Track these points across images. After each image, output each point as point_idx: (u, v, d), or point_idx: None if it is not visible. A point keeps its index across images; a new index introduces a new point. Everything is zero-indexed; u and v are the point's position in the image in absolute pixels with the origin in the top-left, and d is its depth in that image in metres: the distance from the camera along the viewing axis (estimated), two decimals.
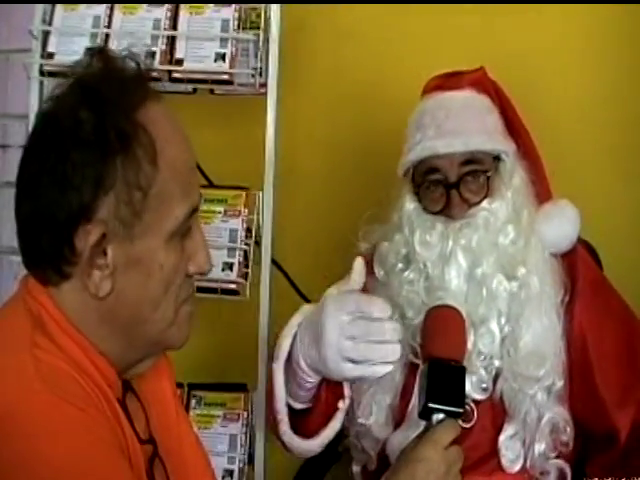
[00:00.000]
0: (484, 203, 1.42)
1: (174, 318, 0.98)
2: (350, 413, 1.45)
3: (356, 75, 1.91)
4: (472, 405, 1.38)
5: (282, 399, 1.37)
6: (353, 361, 1.27)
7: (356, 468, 1.55)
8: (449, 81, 1.48)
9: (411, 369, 1.44)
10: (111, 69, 0.96)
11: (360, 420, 1.46)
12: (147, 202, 0.93)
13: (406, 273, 1.44)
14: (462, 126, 1.42)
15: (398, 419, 1.45)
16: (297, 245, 1.96)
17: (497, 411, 1.42)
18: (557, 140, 1.78)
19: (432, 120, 1.44)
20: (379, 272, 1.49)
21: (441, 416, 1.02)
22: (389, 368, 1.27)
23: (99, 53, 0.98)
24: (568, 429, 1.40)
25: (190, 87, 1.75)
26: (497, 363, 1.41)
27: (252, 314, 1.73)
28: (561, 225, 1.46)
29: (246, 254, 1.72)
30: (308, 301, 1.92)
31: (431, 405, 1.02)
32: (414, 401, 1.40)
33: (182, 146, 0.98)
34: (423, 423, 1.04)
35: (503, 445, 1.39)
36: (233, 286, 1.71)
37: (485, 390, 1.40)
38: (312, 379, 1.35)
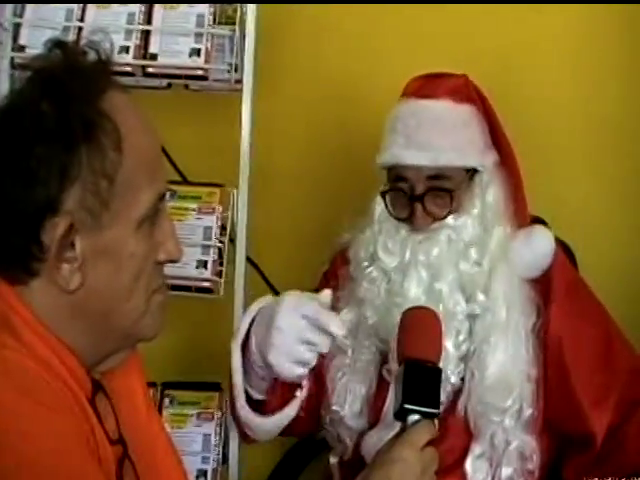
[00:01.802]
0: (449, 219, 1.41)
1: (146, 308, 0.98)
2: (325, 400, 1.47)
3: (334, 73, 1.90)
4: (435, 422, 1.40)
5: (238, 372, 1.38)
6: (298, 362, 1.32)
7: (333, 460, 1.55)
8: (427, 87, 1.46)
9: (384, 360, 1.44)
10: (71, 60, 0.96)
11: (334, 407, 1.47)
12: (114, 190, 0.92)
13: (369, 270, 1.45)
14: (432, 140, 1.41)
15: (373, 419, 1.45)
16: (272, 243, 1.95)
17: (462, 429, 1.41)
18: (536, 140, 1.79)
19: (403, 128, 1.43)
20: (351, 266, 1.50)
21: (417, 417, 1.02)
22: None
23: (58, 45, 0.97)
24: (535, 458, 1.40)
25: (164, 82, 1.74)
26: (453, 379, 1.40)
27: (226, 312, 1.72)
28: (535, 254, 1.44)
29: (220, 252, 1.71)
30: None
31: (407, 406, 1.02)
32: (389, 401, 1.40)
33: (146, 132, 0.98)
34: (398, 424, 1.04)
35: (470, 466, 1.39)
36: (207, 284, 1.70)
37: (441, 403, 1.37)
38: (263, 371, 1.38)
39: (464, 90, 1.46)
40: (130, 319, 0.98)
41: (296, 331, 1.31)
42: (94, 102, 0.92)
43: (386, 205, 1.45)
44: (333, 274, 1.56)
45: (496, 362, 1.38)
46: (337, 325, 1.30)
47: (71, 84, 0.92)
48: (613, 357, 1.44)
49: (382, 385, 1.42)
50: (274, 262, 1.97)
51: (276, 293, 1.93)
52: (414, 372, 1.04)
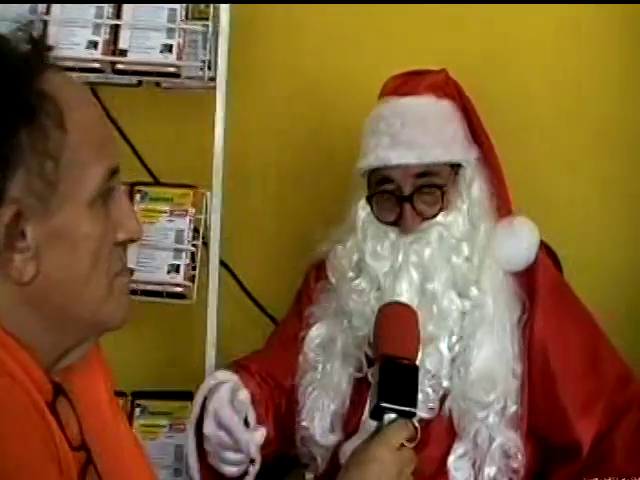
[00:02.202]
0: (439, 217, 1.40)
1: (108, 292, 0.94)
2: (296, 417, 1.46)
3: (311, 71, 1.87)
4: (416, 424, 1.37)
5: (193, 459, 1.42)
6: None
7: (309, 476, 1.54)
8: (407, 84, 1.45)
9: (359, 381, 1.43)
10: (3, 45, 0.93)
11: (303, 424, 1.46)
12: (60, 170, 0.89)
13: (356, 282, 1.43)
14: (418, 137, 1.40)
15: (351, 430, 1.44)
16: (247, 246, 1.93)
17: (446, 430, 1.40)
18: (517, 139, 1.77)
19: (387, 128, 1.42)
20: (332, 277, 1.49)
21: (393, 416, 1.00)
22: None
23: None
24: (519, 456, 1.39)
25: (135, 79, 1.72)
26: (445, 383, 1.40)
27: (199, 318, 1.71)
28: (518, 245, 1.44)
29: (193, 256, 1.70)
30: (258, 304, 1.94)
31: (383, 404, 1.00)
32: (367, 412, 1.33)
33: (90, 108, 0.95)
34: (375, 425, 1.03)
35: (452, 465, 1.38)
36: (179, 289, 1.69)
37: (432, 410, 1.39)
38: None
39: (445, 85, 1.46)
40: (92, 305, 0.94)
41: (217, 442, 1.35)
42: (30, 84, 0.89)
43: (372, 210, 1.43)
44: (306, 293, 1.55)
45: (481, 357, 1.38)
46: (254, 447, 1.33)
47: (4, 69, 0.90)
48: (599, 363, 1.43)
49: (363, 396, 1.40)
50: (249, 266, 1.94)
51: (251, 298, 1.94)
52: (390, 370, 1.03)
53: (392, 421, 1.00)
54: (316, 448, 1.47)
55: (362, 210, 1.44)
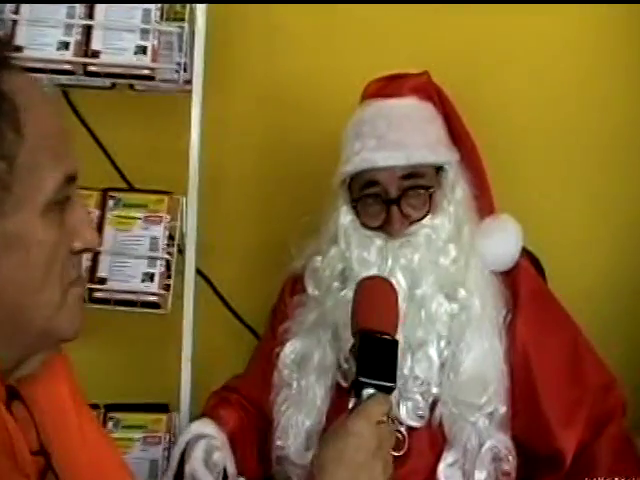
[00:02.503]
0: (426, 220, 1.40)
1: (61, 301, 0.93)
2: (271, 436, 1.45)
3: (291, 74, 1.86)
4: (404, 433, 1.36)
5: None
6: None
7: None
8: (390, 86, 1.45)
9: (339, 392, 1.41)
10: None
11: (278, 443, 1.44)
12: (15, 173, 0.88)
13: (343, 292, 1.41)
14: (404, 138, 1.39)
15: None
16: (224, 254, 1.90)
17: (436, 438, 1.39)
18: (499, 144, 1.76)
19: (372, 130, 1.41)
20: (312, 290, 1.46)
21: (372, 391, 0.99)
22: None
23: None
24: (510, 458, 1.38)
25: (108, 82, 1.70)
26: (435, 390, 1.38)
27: (175, 328, 1.69)
28: (502, 243, 1.45)
29: (168, 264, 1.68)
30: (236, 314, 1.91)
31: (362, 379, 0.99)
32: None
33: (49, 112, 0.93)
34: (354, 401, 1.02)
35: (442, 474, 1.37)
36: (154, 298, 1.67)
37: (421, 417, 1.38)
38: None
39: (427, 88, 1.46)
40: (44, 314, 0.92)
41: None
42: None
43: (358, 215, 1.41)
44: (280, 308, 1.54)
45: (471, 358, 1.37)
46: None
47: None
48: (582, 371, 1.42)
49: (340, 408, 1.35)
50: (225, 274, 1.92)
51: (228, 307, 1.92)
52: (369, 344, 1.02)
53: (371, 396, 0.99)
54: (292, 468, 1.45)
55: (344, 217, 1.43)
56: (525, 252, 1.53)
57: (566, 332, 1.45)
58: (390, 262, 1.37)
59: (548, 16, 1.79)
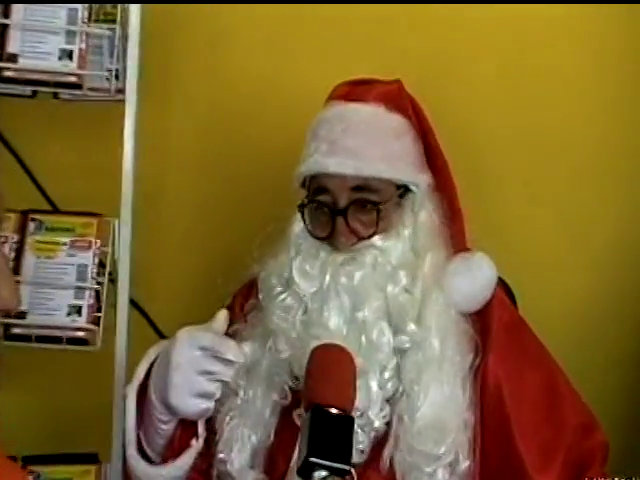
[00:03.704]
0: (375, 239, 1.36)
1: None
2: (213, 451, 1.41)
3: (236, 82, 1.82)
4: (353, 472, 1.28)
5: (132, 415, 1.40)
6: (201, 396, 1.36)
7: None
8: (356, 90, 1.42)
9: (286, 411, 1.38)
10: None
11: (220, 456, 1.40)
12: None
13: (282, 296, 1.39)
14: (359, 146, 1.36)
15: (277, 471, 1.38)
16: (161, 283, 1.85)
17: None
18: (468, 160, 1.71)
19: (328, 133, 1.38)
20: (260, 294, 1.44)
21: (324, 474, 0.99)
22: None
23: None
24: None
25: (28, 90, 1.63)
26: (378, 424, 1.32)
27: (106, 367, 1.61)
28: (474, 283, 1.38)
29: (98, 294, 1.62)
30: None
31: (312, 460, 0.98)
32: (295, 456, 1.27)
33: None
34: None
35: None
36: (81, 334, 1.60)
37: (361, 453, 1.31)
38: (165, 417, 1.39)
39: (398, 98, 1.42)
40: None
41: (194, 364, 1.34)
42: None
43: (304, 221, 1.39)
44: (233, 310, 1.49)
45: (428, 404, 1.32)
46: (235, 352, 1.34)
47: None
48: (560, 410, 1.38)
49: (292, 431, 1.31)
50: (163, 306, 1.87)
51: None
52: (322, 421, 1.01)
53: (322, 479, 0.98)
54: None
55: (297, 224, 1.40)
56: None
57: (542, 369, 1.40)
58: (328, 278, 1.35)
59: (534, 16, 1.78)
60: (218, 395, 1.36)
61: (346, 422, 1.01)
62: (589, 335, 1.84)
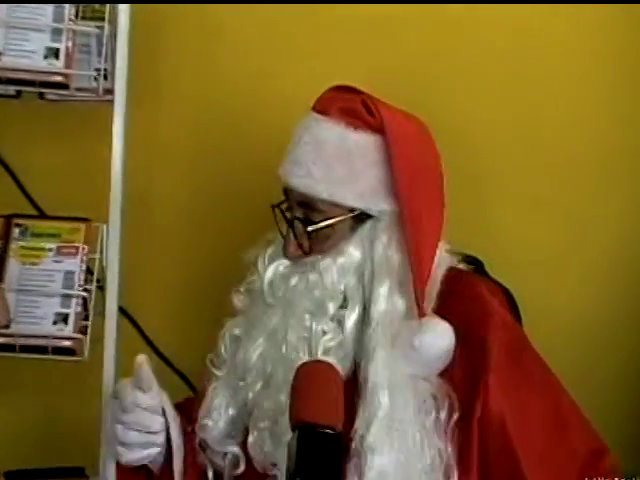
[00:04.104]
0: (316, 259, 1.33)
1: None
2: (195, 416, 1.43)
3: (227, 83, 1.80)
4: None
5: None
6: (123, 445, 1.35)
7: None
8: (322, 101, 1.38)
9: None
10: None
11: (203, 422, 1.41)
12: None
13: (249, 279, 1.42)
14: (308, 162, 1.33)
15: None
16: (151, 290, 1.83)
17: None
18: (464, 162, 1.70)
19: (295, 140, 1.36)
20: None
21: None
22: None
23: None
24: None
25: (12, 89, 1.61)
26: None
27: (93, 378, 1.59)
28: (422, 355, 1.29)
29: (85, 302, 1.59)
30: (165, 359, 1.84)
31: None
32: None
33: None
34: None
35: None
36: (68, 343, 1.57)
37: None
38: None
39: (365, 115, 1.33)
40: None
41: (112, 413, 1.37)
42: None
43: (276, 221, 1.39)
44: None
45: (378, 468, 1.27)
46: (131, 398, 1.33)
47: None
48: (567, 437, 1.33)
49: None
50: (153, 314, 1.85)
51: (156, 352, 1.85)
52: (309, 440, 1.00)
53: None
54: (211, 454, 1.43)
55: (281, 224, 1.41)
56: (497, 287, 1.43)
57: (547, 396, 1.34)
58: (265, 287, 1.36)
59: (527, 20, 1.77)
60: (143, 441, 1.34)
61: (334, 440, 1.00)
62: (595, 345, 1.82)
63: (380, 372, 1.29)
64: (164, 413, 1.36)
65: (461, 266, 1.40)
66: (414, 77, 1.71)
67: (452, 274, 1.36)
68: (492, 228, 1.75)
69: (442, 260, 1.36)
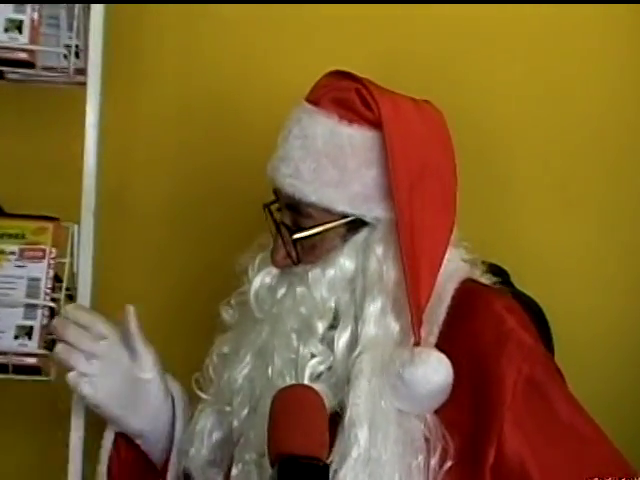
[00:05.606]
0: (304, 269, 1.26)
1: None
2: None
3: (213, 67, 1.75)
4: None
5: None
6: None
7: None
8: (315, 89, 1.29)
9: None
10: None
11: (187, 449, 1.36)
12: None
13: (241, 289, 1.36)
14: (295, 160, 1.24)
15: None
16: (127, 300, 1.66)
17: None
18: (484, 167, 1.66)
19: (284, 133, 1.27)
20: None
21: None
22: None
23: None
24: None
25: None
26: None
27: (62, 400, 1.49)
28: (411, 391, 1.20)
29: (53, 313, 1.50)
30: None
31: None
32: None
33: None
34: None
35: None
36: (32, 361, 1.49)
37: None
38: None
39: (361, 108, 1.24)
40: None
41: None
42: None
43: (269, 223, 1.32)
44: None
45: None
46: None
47: None
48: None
49: None
50: None
51: None
52: (291, 473, 0.98)
53: None
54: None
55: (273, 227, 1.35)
56: (521, 302, 1.28)
57: (574, 438, 1.21)
58: (252, 298, 1.28)
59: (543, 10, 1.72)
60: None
61: (321, 471, 0.97)
62: (633, 368, 1.73)
63: (361, 404, 1.20)
64: (174, 405, 1.36)
65: (480, 278, 1.28)
66: (420, 63, 1.65)
67: (465, 287, 1.24)
68: (518, 233, 1.73)
69: (454, 272, 1.25)
